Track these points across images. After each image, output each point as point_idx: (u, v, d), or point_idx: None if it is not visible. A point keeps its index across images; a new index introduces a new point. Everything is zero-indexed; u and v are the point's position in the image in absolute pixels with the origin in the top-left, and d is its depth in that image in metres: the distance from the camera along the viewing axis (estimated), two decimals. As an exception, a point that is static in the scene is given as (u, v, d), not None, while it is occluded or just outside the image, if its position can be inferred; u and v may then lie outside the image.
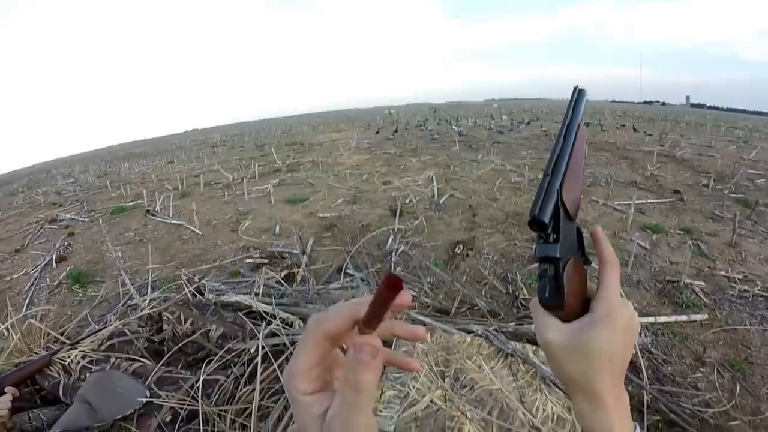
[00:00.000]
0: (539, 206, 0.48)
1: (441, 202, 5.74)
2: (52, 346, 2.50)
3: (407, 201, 5.66)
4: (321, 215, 5.12)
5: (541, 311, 0.52)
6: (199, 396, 1.73)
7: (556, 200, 0.49)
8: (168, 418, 1.65)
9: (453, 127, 17.01)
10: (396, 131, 14.84)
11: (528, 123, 20.29)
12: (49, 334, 2.66)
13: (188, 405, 1.69)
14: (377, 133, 12.94)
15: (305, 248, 4.14)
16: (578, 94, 0.57)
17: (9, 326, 2.52)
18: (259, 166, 8.26)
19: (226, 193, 6.95)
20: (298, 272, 3.59)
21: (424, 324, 2.45)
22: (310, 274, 3.56)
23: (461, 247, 4.22)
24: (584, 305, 0.52)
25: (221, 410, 1.75)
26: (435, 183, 6.09)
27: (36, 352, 2.41)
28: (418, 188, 6.36)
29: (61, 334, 2.83)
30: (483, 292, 3.41)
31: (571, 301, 0.50)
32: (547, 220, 0.48)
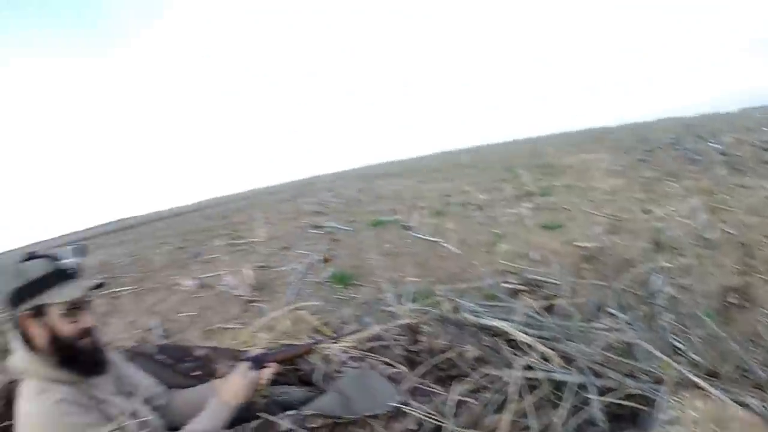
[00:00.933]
0: None
1: (710, 237, 4.96)
2: (316, 336, 2.71)
3: (670, 233, 5.02)
4: (578, 244, 4.79)
5: None
6: (449, 413, 1.69)
7: None
8: (414, 427, 1.63)
9: (710, 143, 14.73)
10: (649, 151, 13.50)
11: None
12: (314, 325, 2.84)
13: (435, 419, 1.65)
14: (627, 153, 11.78)
15: (566, 279, 3.89)
16: None
17: (283, 314, 2.82)
18: (511, 188, 8.13)
19: (479, 214, 6.91)
20: (556, 304, 3.38)
21: (697, 386, 2.04)
22: (576, 309, 3.31)
23: (735, 296, 3.57)
24: None
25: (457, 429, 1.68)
26: (703, 215, 5.30)
27: (301, 339, 2.64)
28: (681, 219, 5.61)
29: (325, 325, 3.04)
30: (758, 356, 2.78)
31: None
32: None
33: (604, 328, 2.87)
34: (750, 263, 4.31)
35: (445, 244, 5.36)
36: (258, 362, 1.85)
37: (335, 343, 2.33)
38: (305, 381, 2.13)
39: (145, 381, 1.78)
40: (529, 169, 11.40)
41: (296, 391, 2.05)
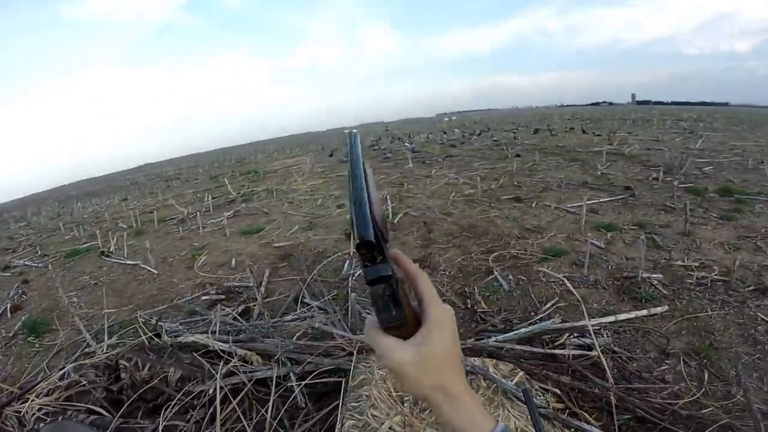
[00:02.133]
0: (362, 227, 0.48)
1: (396, 221, 5.70)
2: (4, 399, 2.38)
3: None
4: (277, 245, 5.01)
5: (382, 335, 0.53)
6: None
7: (373, 223, 0.48)
8: None
9: (406, 144, 17.10)
10: (350, 152, 14.56)
11: (479, 134, 20.59)
12: (3, 389, 2.51)
13: None
14: (331, 155, 12.83)
15: (261, 281, 4.02)
16: (353, 137, 0.59)
17: None
18: (213, 198, 8.07)
19: (181, 228, 6.78)
20: (254, 306, 3.48)
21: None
22: (266, 307, 3.45)
23: (418, 264, 4.18)
24: (416, 318, 0.54)
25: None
26: (389, 203, 6.03)
27: None
28: (373, 209, 6.25)
29: (19, 388, 2.68)
30: None
31: (410, 316, 0.52)
32: (373, 239, 0.47)
33: (295, 318, 3.08)
34: (430, 237, 5.05)
35: (144, 266, 5.17)
36: None
37: (25, 401, 2.08)
38: None
39: None
40: (234, 177, 11.50)
41: None
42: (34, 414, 2.01)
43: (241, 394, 2.06)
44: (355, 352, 2.29)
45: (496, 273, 3.85)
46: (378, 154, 13.41)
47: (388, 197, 6.34)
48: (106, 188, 27.99)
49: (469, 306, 3.39)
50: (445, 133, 22.34)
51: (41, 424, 1.90)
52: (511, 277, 3.78)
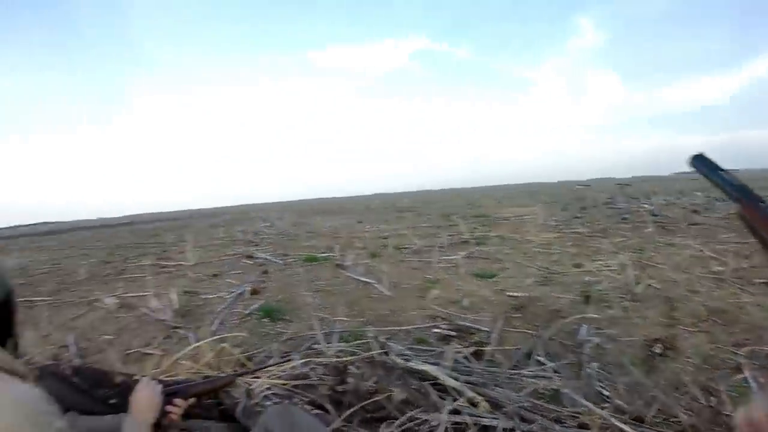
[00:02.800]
0: None
1: (637, 292, 5.13)
2: (239, 369, 2.61)
3: (600, 287, 5.15)
4: (510, 294, 4.79)
5: None
6: None
7: None
8: None
9: (644, 205, 15.59)
10: (584, 209, 14.15)
11: (724, 200, 17.88)
12: (237, 358, 2.75)
13: None
14: (564, 209, 12.23)
15: (494, 326, 3.89)
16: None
17: (207, 345, 2.69)
18: (448, 235, 8.21)
19: (414, 258, 6.94)
20: (485, 350, 3.36)
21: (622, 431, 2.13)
22: (505, 356, 3.30)
23: (660, 346, 3.68)
24: None
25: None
26: (631, 270, 5.49)
27: (224, 372, 2.53)
28: (611, 274, 5.76)
29: (248, 360, 2.91)
30: (682, 402, 2.86)
31: None
32: None
33: (532, 375, 2.88)
34: (674, 315, 4.45)
35: (378, 286, 5.32)
36: (182, 394, 1.74)
37: (258, 377, 2.24)
38: (227, 416, 2.02)
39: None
40: (466, 219, 11.63)
41: (217, 427, 1.95)
42: (262, 391, 2.12)
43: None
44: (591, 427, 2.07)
45: (746, 373, 3.20)
46: (613, 214, 12.46)
47: (629, 263, 5.76)
48: (341, 209, 30.55)
49: (713, 405, 2.85)
50: (684, 195, 19.94)
51: (267, 403, 1.99)
52: (762, 379, 3.12)
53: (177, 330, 4.57)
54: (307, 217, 22.79)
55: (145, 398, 1.62)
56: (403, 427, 1.93)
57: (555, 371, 3.02)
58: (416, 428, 1.94)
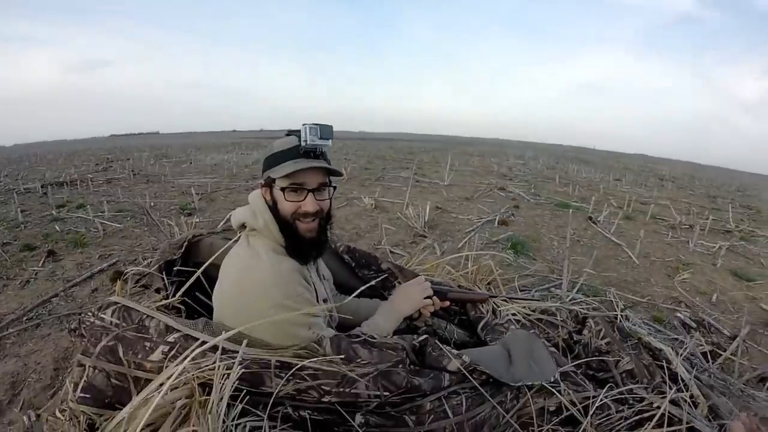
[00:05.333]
0: None
1: None
2: (492, 289, 2.78)
3: None
4: (764, 306, 4.22)
5: None
6: (590, 412, 1.67)
7: None
8: (552, 409, 1.63)
9: None
10: None
11: None
12: (494, 278, 2.90)
13: (574, 407, 1.65)
14: None
15: (736, 334, 3.52)
16: None
17: (467, 257, 2.95)
18: (711, 219, 7.36)
19: (670, 233, 6.49)
20: (722, 354, 3.10)
21: None
22: (738, 368, 3.02)
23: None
24: None
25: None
26: None
27: (479, 287, 2.72)
28: None
29: (504, 283, 3.06)
30: None
31: None
32: None
33: (763, 398, 2.64)
34: None
35: (627, 250, 5.11)
36: (440, 295, 1.94)
37: (508, 302, 2.38)
38: (464, 326, 2.21)
39: (329, 273, 1.89)
40: (734, 206, 10.27)
41: (458, 333, 2.15)
42: (507, 315, 2.20)
43: (669, 429, 1.91)
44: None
45: None
46: None
47: None
48: (599, 162, 28.91)
49: None
50: None
51: (512, 326, 2.07)
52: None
53: (424, 238, 4.99)
54: (563, 163, 22.20)
55: (416, 292, 1.83)
56: (622, 396, 1.97)
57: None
58: (631, 401, 1.97)
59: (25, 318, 2.90)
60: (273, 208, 1.46)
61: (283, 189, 1.41)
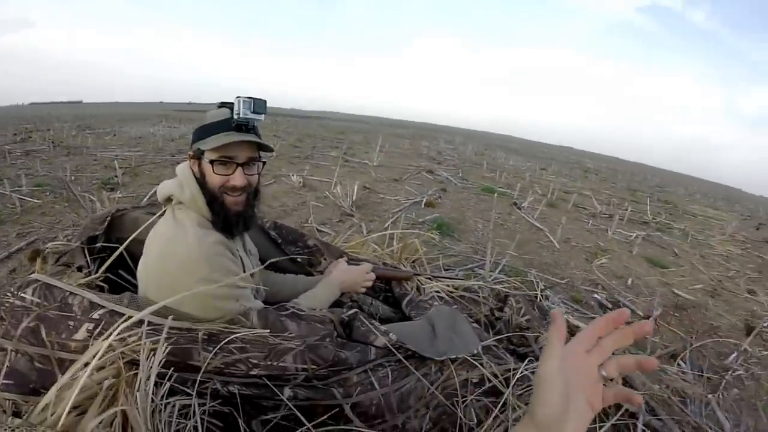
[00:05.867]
0: None
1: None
2: (417, 268, 2.79)
3: (766, 324, 4.61)
4: (675, 291, 4.52)
5: None
6: (511, 384, 1.71)
7: None
8: (475, 381, 1.66)
9: None
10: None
11: None
12: (419, 256, 2.92)
13: (496, 379, 1.67)
14: (758, 229, 10.75)
15: (649, 315, 3.75)
16: None
17: (393, 236, 2.95)
18: (630, 210, 7.82)
19: (591, 221, 6.78)
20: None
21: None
22: (650, 346, 3.21)
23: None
24: None
25: (517, 402, 1.71)
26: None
27: (404, 265, 2.73)
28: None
29: (429, 262, 3.06)
30: None
31: None
32: None
33: (672, 373, 2.80)
34: None
35: (549, 235, 5.29)
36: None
37: (432, 280, 2.42)
38: (389, 302, 2.23)
39: (255, 249, 1.85)
40: (652, 200, 10.93)
41: (383, 308, 2.15)
42: (430, 293, 2.26)
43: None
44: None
45: None
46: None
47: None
48: (524, 150, 30.00)
49: None
50: None
51: (435, 303, 2.10)
52: None
53: (351, 217, 4.97)
54: (491, 150, 22.85)
55: (356, 273, 1.89)
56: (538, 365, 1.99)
57: (695, 377, 2.92)
58: None
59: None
60: (201, 180, 1.43)
61: (212, 161, 1.39)
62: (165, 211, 1.50)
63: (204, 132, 1.41)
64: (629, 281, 4.36)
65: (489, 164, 13.12)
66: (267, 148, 1.48)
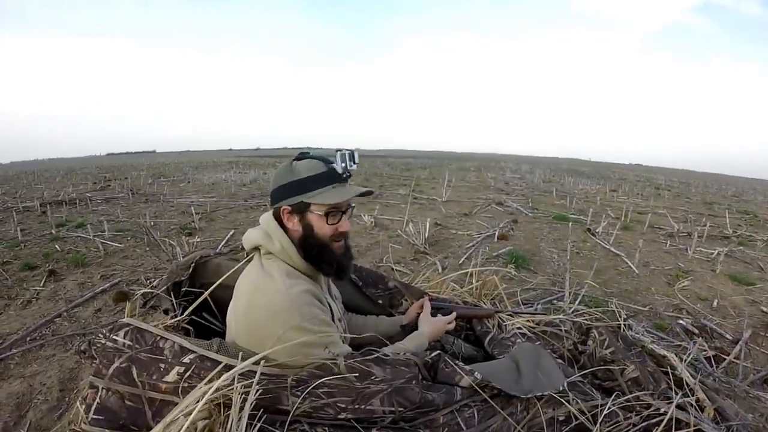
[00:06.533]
0: None
1: None
2: (498, 304, 2.79)
3: None
4: (765, 309, 4.25)
5: None
6: (599, 421, 1.68)
7: None
8: (561, 418, 1.64)
9: None
10: None
11: None
12: (499, 293, 2.89)
13: (583, 416, 1.66)
14: None
15: (739, 338, 3.54)
16: None
17: (475, 273, 2.94)
18: (708, 225, 7.45)
19: (669, 241, 6.53)
20: (725, 358, 3.12)
21: None
22: (741, 371, 3.04)
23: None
24: None
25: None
26: None
27: (484, 302, 2.73)
28: None
29: (508, 297, 3.10)
30: None
31: None
32: None
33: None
34: None
35: (627, 260, 5.15)
36: (446, 312, 2.04)
37: (513, 316, 2.43)
38: (470, 340, 2.26)
39: (338, 293, 1.90)
40: (730, 212, 10.39)
41: (465, 347, 2.17)
42: (512, 329, 2.27)
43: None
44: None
45: None
46: None
47: None
48: (594, 173, 29.13)
49: None
50: None
51: (518, 340, 2.10)
52: None
53: (425, 255, 5.01)
54: (559, 175, 22.38)
55: (441, 323, 1.93)
56: (629, 403, 1.97)
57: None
58: (638, 408, 1.98)
59: (28, 338, 2.90)
60: (306, 232, 1.47)
61: (326, 214, 1.45)
62: (252, 257, 1.57)
63: (305, 185, 1.44)
64: (714, 303, 4.17)
65: (558, 190, 12.91)
66: (369, 193, 1.57)
